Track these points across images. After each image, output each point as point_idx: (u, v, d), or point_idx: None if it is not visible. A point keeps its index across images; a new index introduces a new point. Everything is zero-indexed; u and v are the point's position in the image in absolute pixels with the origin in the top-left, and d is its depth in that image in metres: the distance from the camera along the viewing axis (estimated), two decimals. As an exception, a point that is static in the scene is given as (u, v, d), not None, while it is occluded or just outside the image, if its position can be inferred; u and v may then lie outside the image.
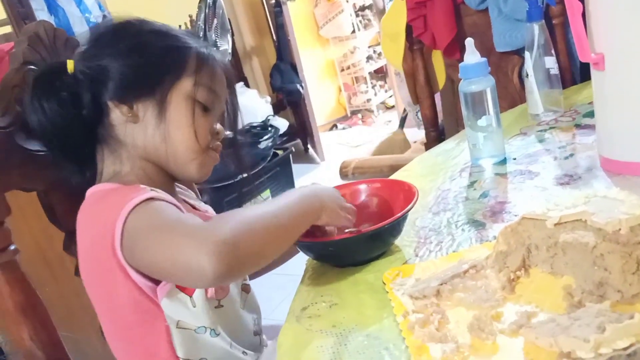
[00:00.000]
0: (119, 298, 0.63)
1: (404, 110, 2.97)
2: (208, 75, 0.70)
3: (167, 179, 0.72)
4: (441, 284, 0.55)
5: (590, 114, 0.94)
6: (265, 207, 0.60)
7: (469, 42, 0.84)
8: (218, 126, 0.73)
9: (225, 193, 2.17)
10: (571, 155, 0.82)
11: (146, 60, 0.67)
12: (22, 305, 0.69)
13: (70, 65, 0.67)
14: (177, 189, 0.78)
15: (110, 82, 0.66)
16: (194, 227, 0.55)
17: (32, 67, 0.69)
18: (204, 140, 0.69)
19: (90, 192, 0.68)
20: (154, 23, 0.72)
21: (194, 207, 0.78)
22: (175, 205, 0.63)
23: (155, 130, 0.67)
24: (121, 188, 0.65)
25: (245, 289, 0.75)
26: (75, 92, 0.66)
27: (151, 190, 0.63)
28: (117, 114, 0.67)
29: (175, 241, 0.54)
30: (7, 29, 2.02)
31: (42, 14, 2.03)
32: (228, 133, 0.76)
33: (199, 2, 2.69)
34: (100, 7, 2.21)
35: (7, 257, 0.69)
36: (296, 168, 2.90)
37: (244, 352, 0.71)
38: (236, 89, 0.77)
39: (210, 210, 0.83)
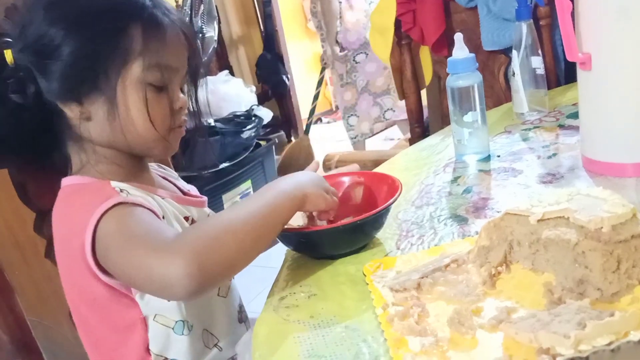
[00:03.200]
0: (91, 292, 0.62)
1: (311, 112, 2.90)
2: (158, 49, 0.61)
3: (137, 161, 0.69)
4: (422, 277, 0.54)
5: (574, 115, 0.95)
6: (240, 210, 0.57)
7: (458, 36, 0.84)
8: (180, 97, 0.66)
9: (206, 182, 2.14)
10: (554, 154, 0.83)
11: (85, 49, 0.60)
12: (-12, 287, 0.67)
13: (8, 56, 0.61)
14: (154, 170, 0.76)
15: (53, 80, 0.60)
16: (164, 242, 0.53)
17: (8, 39, 0.66)
18: (163, 125, 0.64)
19: (64, 183, 0.65)
20: None
21: (177, 187, 0.76)
22: (146, 207, 0.59)
23: (111, 124, 0.62)
24: (90, 187, 0.62)
25: None
26: (20, 86, 0.60)
27: (121, 192, 0.60)
28: (68, 113, 0.62)
29: (146, 259, 0.52)
30: None
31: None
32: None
33: (186, -13, 2.64)
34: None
35: (-26, 236, 0.66)
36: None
37: (218, 347, 0.70)
38: (198, 48, 0.69)
39: (193, 189, 0.80)
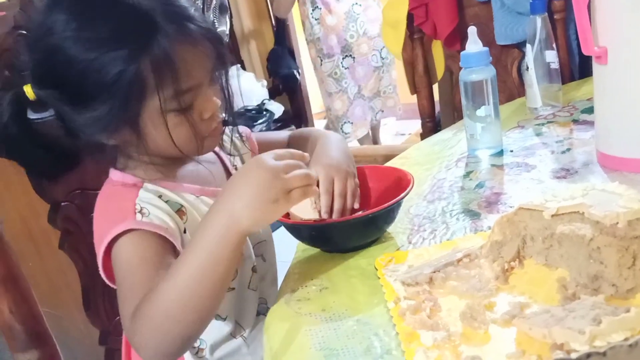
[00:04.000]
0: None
1: None
2: (174, 78, 0.57)
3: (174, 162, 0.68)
4: (434, 272, 0.54)
5: (589, 110, 0.94)
6: (178, 284, 0.51)
7: (472, 30, 0.83)
8: (209, 106, 0.62)
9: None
10: (568, 149, 0.82)
11: (99, 100, 0.57)
12: (3, 277, 0.68)
13: (29, 93, 0.59)
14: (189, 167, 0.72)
15: (77, 123, 0.60)
16: (131, 316, 0.53)
17: (24, 32, 0.66)
18: (191, 144, 0.62)
19: (111, 174, 0.66)
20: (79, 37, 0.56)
21: (220, 159, 0.76)
22: (159, 233, 0.59)
23: (146, 148, 0.62)
24: (116, 196, 0.64)
25: (254, 269, 0.73)
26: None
27: (141, 211, 0.60)
28: (104, 141, 0.62)
29: (122, 311, 0.56)
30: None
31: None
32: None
33: (198, -18, 2.64)
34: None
35: (-10, 227, 0.67)
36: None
37: (243, 337, 0.71)
38: (224, 51, 0.64)
39: (244, 131, 0.79)
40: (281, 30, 3.17)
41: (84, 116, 0.59)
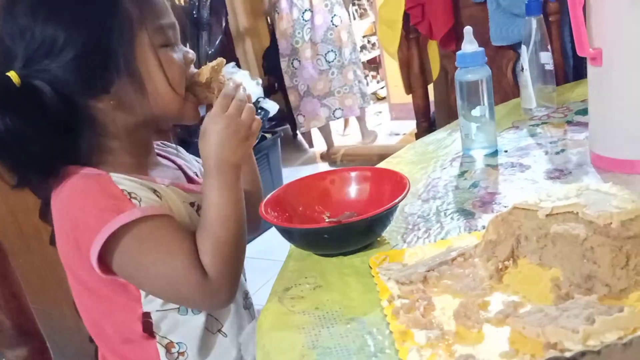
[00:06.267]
0: (90, 281, 0.63)
1: None
2: (154, 11, 0.63)
3: (144, 149, 0.70)
4: (428, 271, 0.54)
5: (583, 112, 0.94)
6: (216, 210, 0.62)
7: (468, 30, 0.83)
8: (190, 50, 0.68)
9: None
10: (562, 150, 0.82)
11: (91, 37, 0.59)
12: (-8, 272, 0.67)
13: (14, 77, 0.58)
14: (157, 149, 0.76)
15: (74, 80, 0.59)
16: (204, 281, 0.60)
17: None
18: (183, 84, 0.65)
19: (70, 170, 0.63)
20: None
21: (180, 167, 0.76)
22: (165, 214, 0.62)
23: (142, 102, 0.63)
24: (92, 184, 0.61)
25: None
26: (35, 100, 0.58)
27: (130, 196, 0.60)
28: (102, 106, 0.62)
29: (191, 295, 0.61)
30: None
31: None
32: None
33: (194, -22, 2.63)
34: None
35: (-20, 222, 0.66)
36: (284, 154, 2.87)
37: (222, 333, 0.70)
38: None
39: (192, 161, 0.80)
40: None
41: (81, 67, 0.59)
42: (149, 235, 0.60)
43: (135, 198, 0.60)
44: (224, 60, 0.69)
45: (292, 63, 3.06)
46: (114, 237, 0.58)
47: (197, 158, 0.79)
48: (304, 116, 3.12)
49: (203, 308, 0.67)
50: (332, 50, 3.00)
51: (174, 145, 0.81)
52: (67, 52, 0.59)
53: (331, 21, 2.98)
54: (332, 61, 3.01)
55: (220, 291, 0.61)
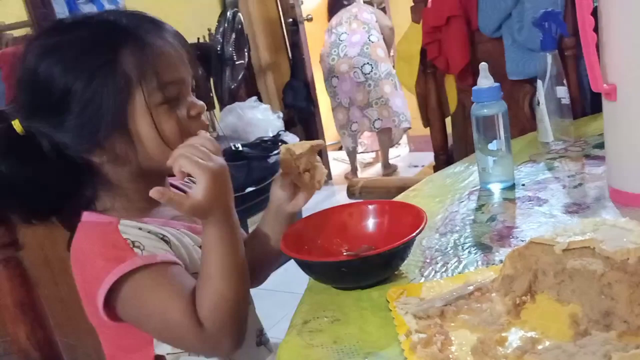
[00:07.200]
0: (102, 322, 0.64)
1: None
2: (155, 69, 0.61)
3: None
4: (445, 305, 0.54)
5: (600, 145, 0.94)
6: (215, 266, 0.60)
7: (483, 66, 0.85)
8: (197, 104, 0.65)
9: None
10: (580, 184, 0.82)
11: (87, 94, 0.59)
12: (21, 303, 0.69)
13: (17, 127, 0.61)
14: (175, 182, 0.75)
15: (69, 134, 0.61)
16: (202, 332, 0.59)
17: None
18: (176, 141, 0.62)
19: (85, 217, 0.65)
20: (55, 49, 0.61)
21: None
22: (168, 261, 0.62)
23: (136, 156, 0.63)
24: (97, 231, 0.64)
25: None
26: (36, 148, 0.61)
27: (133, 245, 0.61)
28: (96, 160, 0.63)
29: (190, 343, 0.61)
30: (28, 30, 2.05)
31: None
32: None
33: (219, 16, 2.74)
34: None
35: (10, 252, 0.69)
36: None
37: None
38: (193, 57, 0.67)
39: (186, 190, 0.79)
40: (297, 63, 3.26)
41: (73, 124, 0.60)
42: (149, 283, 0.60)
43: (138, 247, 0.61)
44: (323, 143, 0.71)
45: (330, 82, 3.11)
46: (117, 285, 0.59)
47: None
48: (356, 122, 3.14)
49: (209, 356, 0.66)
50: (368, 63, 3.00)
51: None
52: (62, 108, 0.60)
53: (368, 38, 3.04)
54: (369, 73, 3.01)
55: (220, 342, 0.60)
